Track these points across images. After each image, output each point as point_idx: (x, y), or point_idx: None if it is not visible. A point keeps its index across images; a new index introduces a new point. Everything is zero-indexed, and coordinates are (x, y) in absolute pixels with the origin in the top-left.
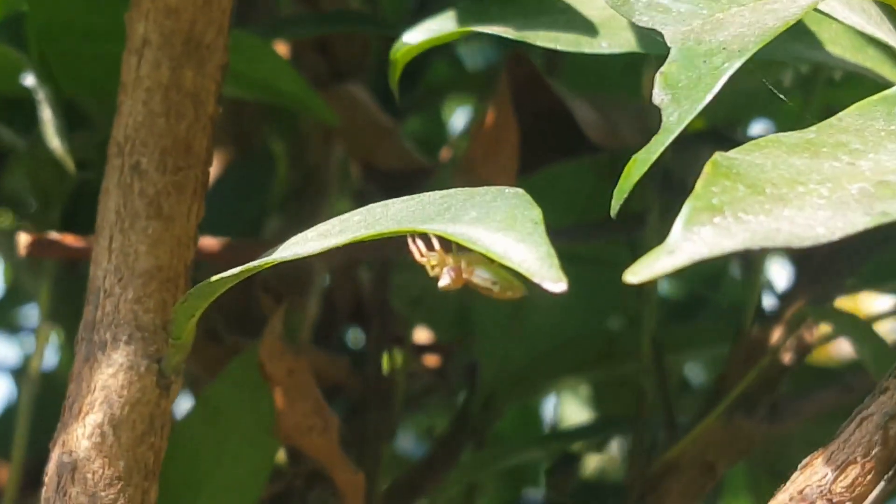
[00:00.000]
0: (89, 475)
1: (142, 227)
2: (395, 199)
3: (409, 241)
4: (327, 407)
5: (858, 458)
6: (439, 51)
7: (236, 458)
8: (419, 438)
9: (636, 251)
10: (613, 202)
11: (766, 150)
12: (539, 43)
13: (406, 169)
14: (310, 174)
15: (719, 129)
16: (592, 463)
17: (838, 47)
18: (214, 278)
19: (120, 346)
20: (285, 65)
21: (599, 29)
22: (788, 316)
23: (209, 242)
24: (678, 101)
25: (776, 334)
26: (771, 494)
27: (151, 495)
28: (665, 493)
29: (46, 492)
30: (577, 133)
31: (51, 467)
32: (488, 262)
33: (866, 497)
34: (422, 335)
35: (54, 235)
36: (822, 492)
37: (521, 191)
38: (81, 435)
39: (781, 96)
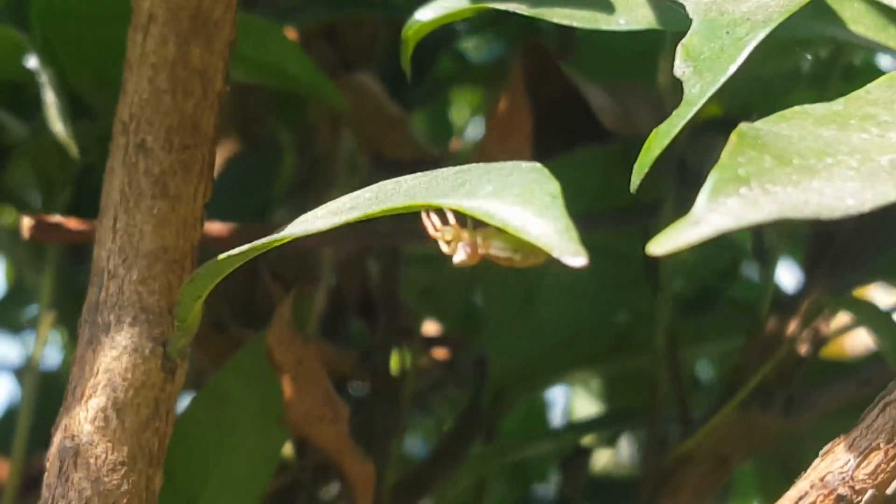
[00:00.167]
0: (92, 460)
1: (147, 207)
2: (407, 176)
3: (423, 215)
4: (337, 396)
5: (881, 445)
6: (445, 46)
7: (242, 449)
8: (426, 439)
9: (650, 241)
10: (634, 177)
11: (792, 121)
12: (555, 20)
13: (415, 159)
14: (317, 164)
15: (734, 117)
16: (601, 459)
17: (861, 26)
18: (222, 256)
19: (124, 328)
20: (294, 48)
21: (616, 5)
22: (805, 307)
23: (217, 227)
24: (700, 73)
25: (792, 326)
26: (781, 493)
27: (156, 482)
28: (678, 486)
29: (48, 477)
30: (591, 119)
31: (52, 452)
32: (505, 235)
33: (889, 484)
34: (430, 328)
35: (57, 218)
36: (843, 479)
37: (538, 165)
38: (84, 419)
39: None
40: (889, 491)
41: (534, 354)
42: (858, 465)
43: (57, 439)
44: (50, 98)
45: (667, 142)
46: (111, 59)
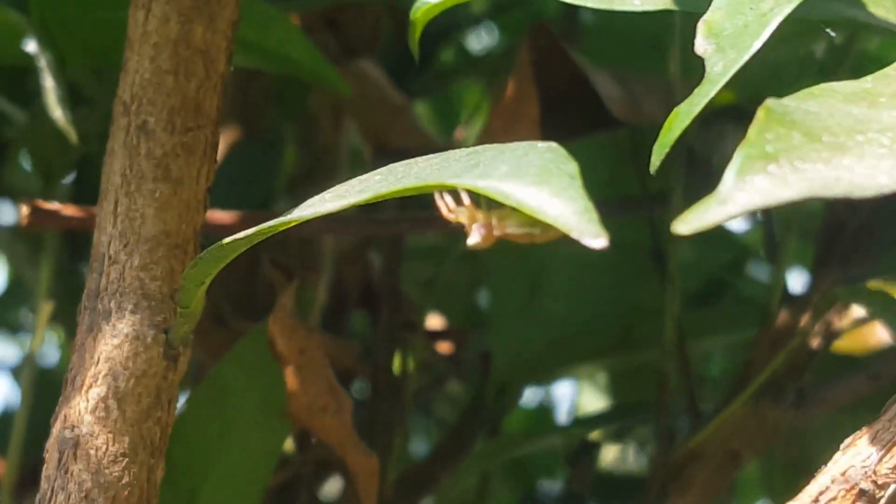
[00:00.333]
0: (92, 451)
1: (149, 190)
2: (417, 158)
3: (437, 196)
4: (340, 387)
5: None
6: (447, 36)
7: (243, 442)
8: (427, 438)
9: (658, 232)
10: (654, 158)
11: (820, 98)
12: (569, 0)
13: (418, 148)
14: (319, 155)
15: (744, 106)
16: (607, 455)
17: (881, 9)
18: (226, 240)
19: (125, 315)
20: (297, 33)
21: None
22: (817, 299)
23: (220, 215)
24: (723, 50)
25: (804, 318)
26: (786, 491)
27: (158, 473)
28: (688, 482)
29: (47, 469)
30: (599, 107)
31: (51, 443)
32: (520, 214)
33: None
34: (434, 321)
35: (54, 205)
36: (866, 473)
37: (554, 144)
38: (84, 409)
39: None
40: None
41: (539, 348)
42: (881, 459)
43: (56, 430)
44: (49, 83)
45: (688, 121)
46: (111, 44)
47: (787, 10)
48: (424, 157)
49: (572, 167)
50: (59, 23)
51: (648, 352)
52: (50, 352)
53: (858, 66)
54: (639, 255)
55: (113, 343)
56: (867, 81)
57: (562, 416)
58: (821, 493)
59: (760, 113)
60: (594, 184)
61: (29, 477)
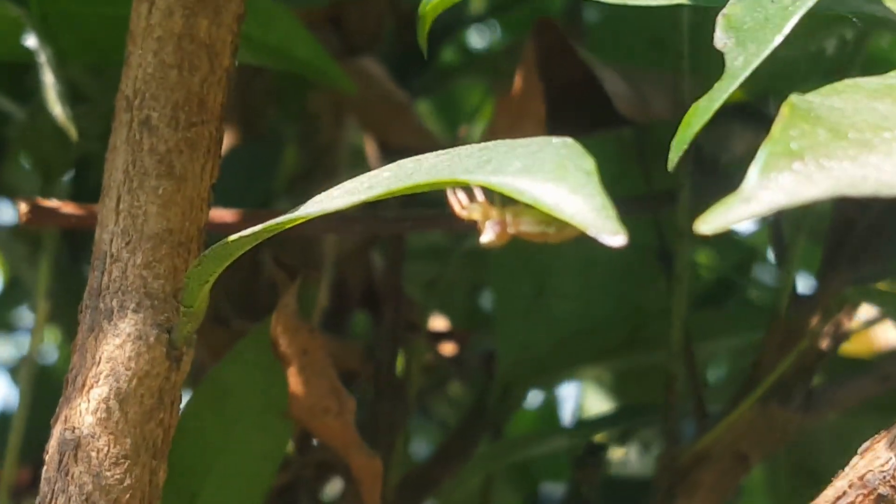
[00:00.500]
0: (93, 453)
1: (152, 187)
2: (427, 154)
3: (449, 193)
4: (343, 388)
5: None
6: (449, 35)
7: (245, 443)
8: (429, 440)
9: (665, 231)
10: (672, 154)
11: (844, 94)
12: None
13: (421, 146)
14: (319, 155)
15: (752, 104)
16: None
17: None
18: (232, 238)
19: (127, 314)
20: (300, 29)
21: None
22: (826, 299)
23: (223, 213)
24: (743, 43)
25: (813, 319)
26: (792, 494)
27: (160, 475)
28: (695, 485)
29: (47, 471)
30: (606, 104)
31: (52, 445)
32: (535, 211)
33: None
34: (437, 322)
35: (54, 203)
36: (884, 478)
37: (570, 140)
38: (85, 410)
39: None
40: None
41: (544, 349)
42: None
43: (57, 431)
44: (49, 79)
45: (707, 117)
46: (112, 40)
47: (811, 3)
48: (434, 153)
49: (589, 163)
50: (59, 18)
51: (655, 353)
52: (48, 351)
53: (870, 64)
54: (645, 255)
55: (115, 343)
56: (892, 77)
57: (566, 416)
58: (838, 498)
59: (785, 109)
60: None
61: (29, 478)
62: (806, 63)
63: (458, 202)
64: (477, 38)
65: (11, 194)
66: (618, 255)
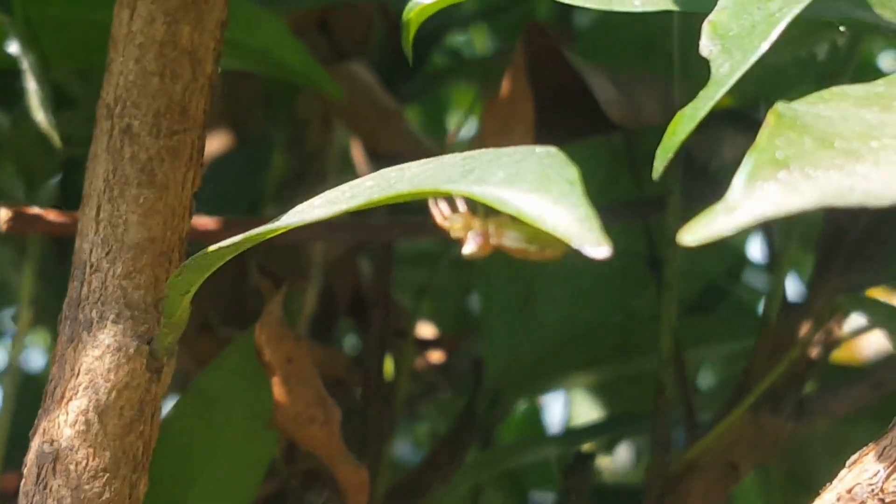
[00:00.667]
0: (72, 466)
1: (133, 196)
2: (410, 163)
3: (431, 203)
4: (329, 397)
5: None
6: (438, 40)
7: (230, 452)
8: (416, 445)
9: (655, 237)
10: (657, 163)
11: (831, 102)
12: (566, 0)
13: (409, 152)
14: (308, 160)
15: (742, 109)
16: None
17: (889, 11)
18: (212, 248)
19: (107, 325)
20: (286, 34)
21: None
22: (817, 307)
23: (206, 221)
24: (729, 51)
25: (804, 327)
26: (784, 501)
27: (140, 488)
28: (685, 494)
29: (25, 484)
30: (596, 109)
31: (30, 457)
32: (519, 224)
33: None
34: (425, 329)
35: (36, 210)
36: (873, 490)
37: (554, 149)
38: (64, 422)
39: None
40: None
41: (533, 357)
42: (888, 476)
43: (35, 444)
44: (32, 86)
45: (693, 125)
46: (97, 45)
47: (797, 10)
48: (418, 161)
49: (572, 173)
50: (43, 23)
51: (644, 360)
52: (35, 357)
53: (861, 70)
54: (635, 261)
55: (94, 354)
56: (879, 85)
57: (554, 421)
58: None
59: (770, 117)
60: (591, 187)
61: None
62: (797, 69)
63: (440, 213)
64: (468, 43)
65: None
66: (607, 261)
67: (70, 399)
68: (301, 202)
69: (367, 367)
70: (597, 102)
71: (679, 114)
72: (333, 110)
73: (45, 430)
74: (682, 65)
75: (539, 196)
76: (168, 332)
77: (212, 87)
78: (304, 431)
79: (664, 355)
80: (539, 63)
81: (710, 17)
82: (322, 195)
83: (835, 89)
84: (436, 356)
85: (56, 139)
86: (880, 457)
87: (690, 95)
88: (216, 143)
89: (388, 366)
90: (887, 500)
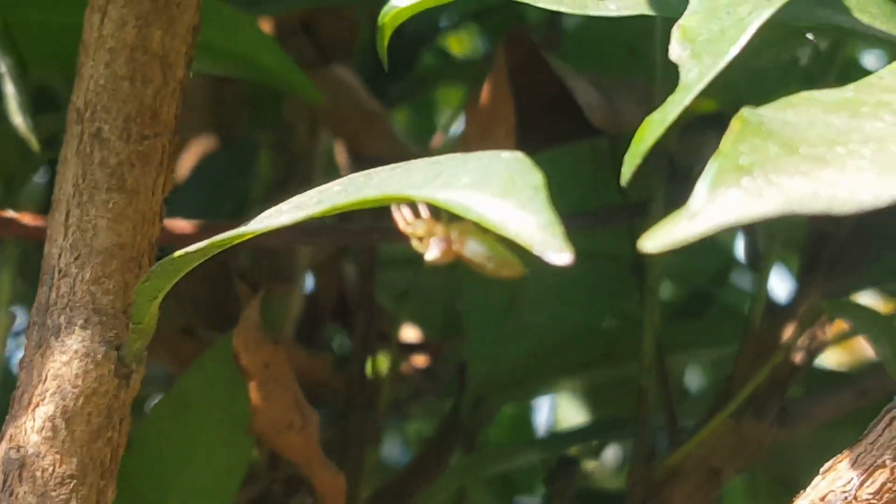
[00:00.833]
0: (39, 473)
1: (102, 201)
2: (379, 168)
3: (394, 209)
4: (306, 403)
5: (888, 462)
6: (427, 41)
7: (208, 457)
8: (406, 446)
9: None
10: (624, 169)
11: (799, 108)
12: (540, 4)
13: (393, 156)
14: (294, 163)
15: (725, 113)
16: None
17: (867, 15)
18: (178, 254)
19: (75, 330)
20: (266, 38)
21: None
22: (801, 312)
23: (182, 224)
24: (698, 56)
25: (787, 331)
26: None
27: (108, 495)
28: (668, 499)
29: None
30: (578, 114)
31: None
32: (482, 233)
33: None
34: (409, 333)
35: (10, 213)
36: (846, 498)
37: (520, 154)
38: (31, 428)
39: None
40: None
41: (517, 361)
42: (862, 484)
43: (1, 450)
44: (9, 89)
45: (661, 131)
46: (76, 49)
47: (766, 15)
48: (387, 166)
49: (537, 178)
50: (21, 27)
51: (630, 366)
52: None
53: (845, 72)
54: (620, 266)
55: (62, 360)
56: (849, 90)
57: (540, 425)
58: None
59: (735, 123)
60: (574, 193)
61: None
62: (780, 72)
63: (403, 218)
64: (458, 44)
65: None
66: (592, 266)
67: (37, 405)
68: None
69: (351, 370)
70: (579, 107)
71: (647, 119)
72: (317, 113)
73: (11, 436)
74: (663, 68)
75: (503, 201)
76: (137, 338)
77: (183, 92)
78: (281, 437)
79: (646, 361)
80: (521, 68)
81: (681, 21)
82: (290, 200)
83: (803, 94)
84: (420, 360)
85: (34, 142)
86: (854, 464)
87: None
88: (202, 146)
89: (372, 369)
90: None
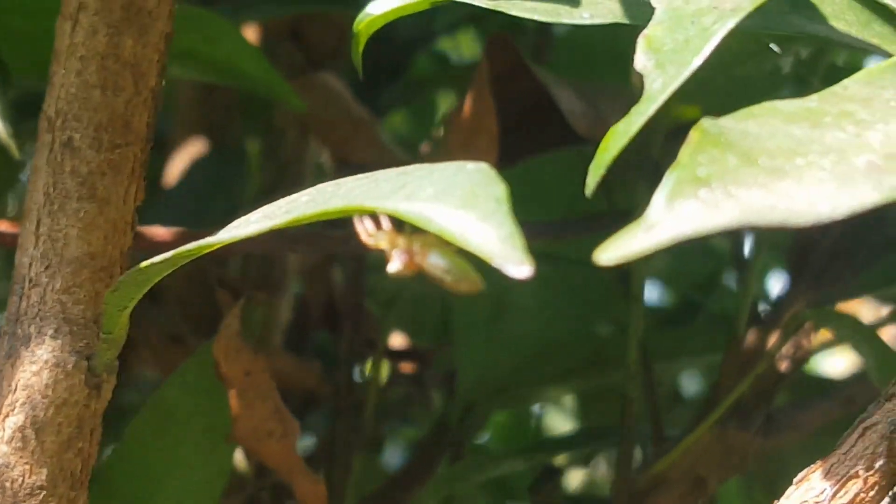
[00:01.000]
0: (8, 483)
1: (73, 210)
2: (347, 178)
3: (356, 221)
4: (287, 411)
5: (861, 472)
6: (422, 46)
7: (189, 466)
8: (408, 451)
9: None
10: (589, 179)
11: (761, 118)
12: (514, 12)
13: (381, 163)
14: (284, 169)
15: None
16: (578, 478)
17: (842, 22)
18: (144, 264)
19: (45, 340)
20: (248, 45)
21: None
22: (786, 320)
23: (158, 231)
24: (663, 66)
25: (772, 340)
26: None
27: None
28: None
29: None
30: (562, 123)
31: None
32: (444, 245)
33: None
34: (398, 340)
35: None
36: None
37: (484, 165)
38: (1, 439)
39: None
40: None
41: (505, 369)
42: (835, 494)
43: None
44: None
45: (625, 141)
46: None
47: (730, 24)
48: (354, 176)
49: (500, 190)
50: (4, 34)
51: (618, 374)
52: None
53: (830, 79)
54: (606, 273)
55: (32, 370)
56: (812, 100)
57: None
58: None
59: (694, 134)
60: (562, 200)
61: None
62: (764, 80)
63: (365, 230)
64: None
65: None
66: (579, 274)
67: (7, 415)
68: None
69: (338, 378)
70: (563, 115)
71: (612, 129)
72: (305, 120)
73: None
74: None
75: (465, 213)
76: (107, 348)
77: (156, 101)
78: (261, 445)
79: (631, 369)
80: (505, 75)
81: (646, 31)
82: (260, 209)
83: (766, 104)
84: (408, 367)
85: (15, 150)
86: (827, 474)
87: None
88: (192, 152)
89: (361, 376)
90: None
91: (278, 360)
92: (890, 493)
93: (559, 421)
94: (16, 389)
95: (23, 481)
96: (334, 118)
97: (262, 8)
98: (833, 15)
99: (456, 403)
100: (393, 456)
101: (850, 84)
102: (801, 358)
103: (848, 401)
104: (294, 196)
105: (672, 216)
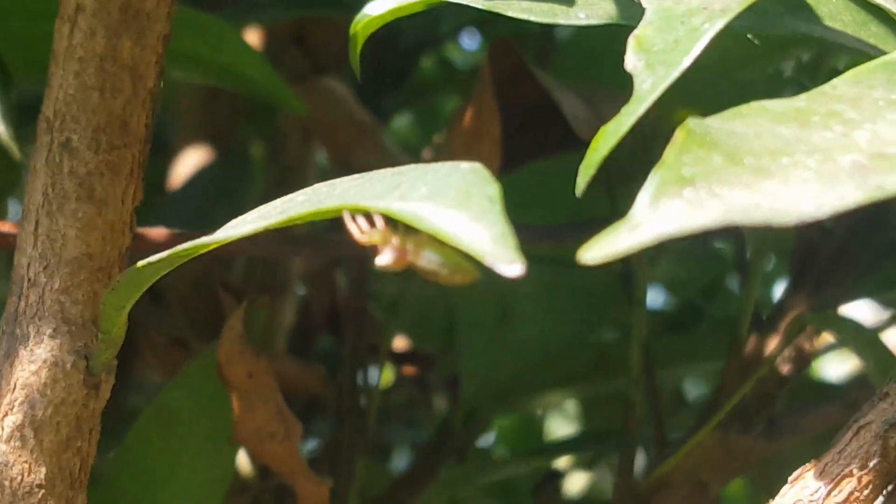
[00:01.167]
0: (7, 482)
1: (71, 210)
2: (343, 178)
3: (347, 218)
4: (290, 412)
5: (855, 471)
6: (427, 49)
7: (193, 468)
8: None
9: (627, 254)
10: (579, 180)
11: (748, 118)
12: (510, 13)
13: (384, 167)
14: (287, 173)
15: None
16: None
17: (839, 23)
18: (141, 263)
19: (44, 340)
20: (250, 50)
21: None
22: (787, 324)
23: (155, 232)
24: (652, 66)
25: (773, 344)
26: None
27: None
28: None
29: None
30: (565, 127)
31: None
32: (438, 244)
33: None
34: (401, 344)
35: None
36: None
37: (478, 165)
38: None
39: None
40: None
41: (509, 374)
42: (829, 493)
43: None
44: None
45: (614, 141)
46: None
47: (719, 25)
48: (349, 177)
49: (493, 189)
50: (5, 36)
51: (621, 379)
52: None
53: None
54: (610, 278)
55: (30, 369)
56: (801, 100)
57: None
58: None
59: (679, 133)
60: (565, 205)
61: None
62: (764, 85)
63: (358, 228)
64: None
65: None
66: (583, 278)
67: (6, 414)
68: None
69: (341, 381)
70: (566, 119)
71: (602, 129)
72: (308, 124)
73: None
74: None
75: (458, 212)
76: (105, 348)
77: (154, 102)
78: (264, 447)
79: (634, 374)
80: (506, 80)
81: (636, 31)
82: (256, 210)
83: (754, 104)
84: (411, 371)
85: (16, 152)
86: (821, 474)
87: (659, 110)
88: (197, 155)
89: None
90: None
91: (281, 363)
92: (884, 491)
93: (562, 425)
94: (14, 389)
95: (21, 480)
96: (337, 122)
97: (266, 12)
98: (829, 16)
99: (459, 407)
100: (396, 459)
101: (838, 84)
102: (803, 362)
103: (850, 405)
104: (290, 196)
105: (656, 215)
